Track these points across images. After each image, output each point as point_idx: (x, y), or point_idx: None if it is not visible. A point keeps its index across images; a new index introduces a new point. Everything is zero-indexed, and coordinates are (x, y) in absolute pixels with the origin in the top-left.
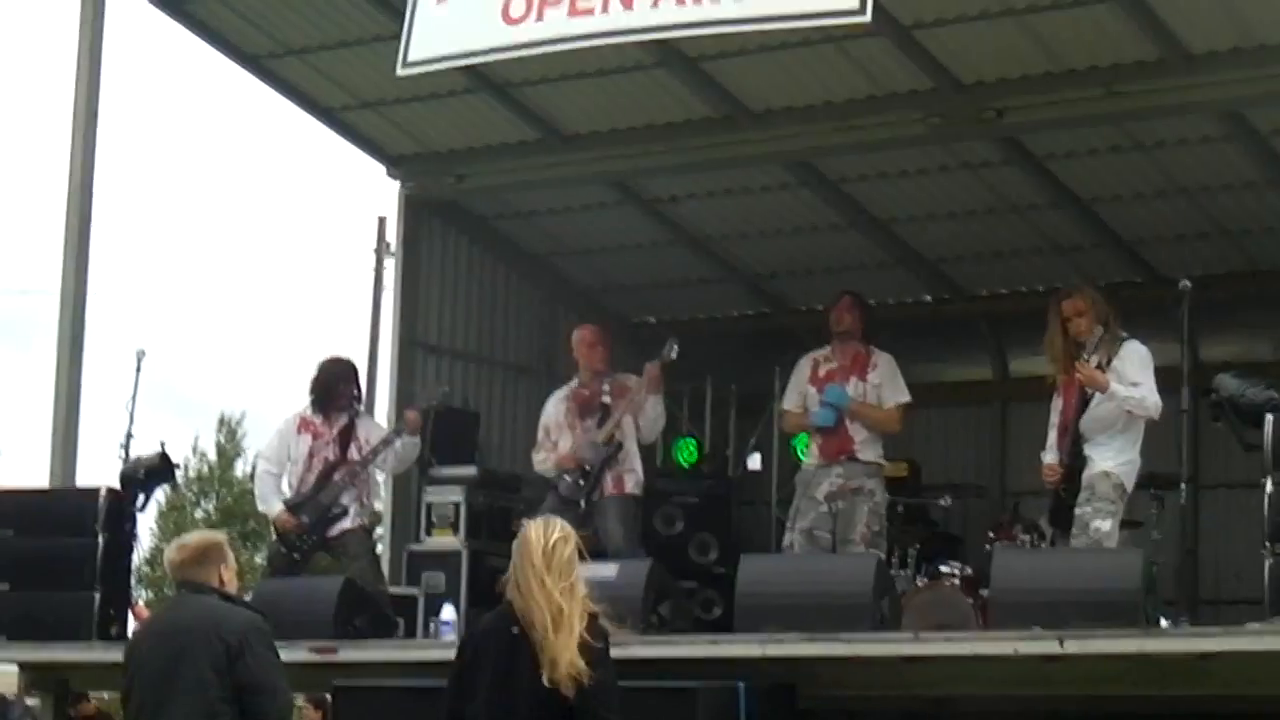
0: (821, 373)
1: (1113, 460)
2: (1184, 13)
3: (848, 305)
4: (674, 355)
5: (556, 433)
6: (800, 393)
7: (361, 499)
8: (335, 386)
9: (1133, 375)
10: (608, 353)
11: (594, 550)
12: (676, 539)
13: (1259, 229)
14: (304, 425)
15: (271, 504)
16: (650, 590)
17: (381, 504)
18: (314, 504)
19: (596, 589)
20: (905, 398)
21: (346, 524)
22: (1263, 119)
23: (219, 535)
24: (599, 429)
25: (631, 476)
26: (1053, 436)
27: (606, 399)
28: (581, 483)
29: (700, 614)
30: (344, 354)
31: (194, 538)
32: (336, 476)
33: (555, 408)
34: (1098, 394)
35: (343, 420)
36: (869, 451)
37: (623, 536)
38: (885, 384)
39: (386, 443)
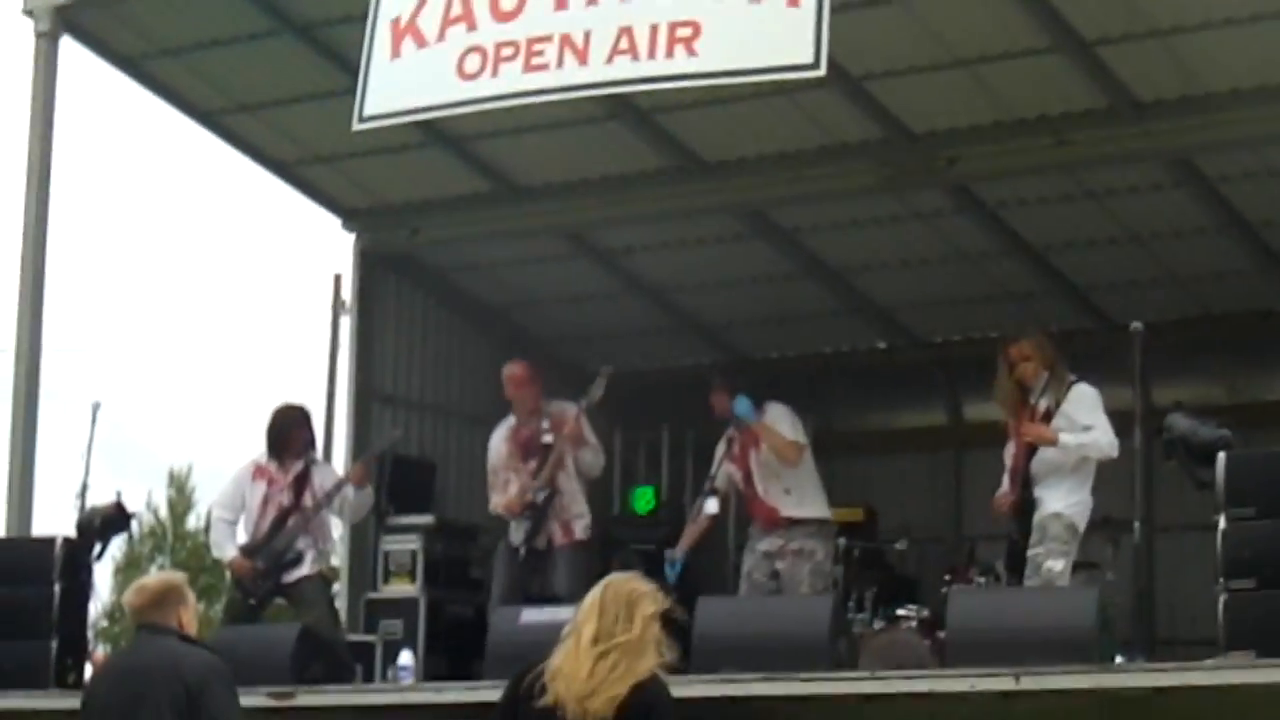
0: (735, 450)
1: (1063, 501)
2: (1132, 62)
3: (716, 392)
4: (601, 392)
5: (505, 474)
6: (725, 474)
7: (317, 545)
8: (289, 432)
9: (1083, 419)
10: (539, 389)
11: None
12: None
13: (1209, 274)
14: (259, 472)
15: (226, 550)
16: None
17: (338, 555)
18: (269, 550)
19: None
20: (794, 437)
21: (303, 570)
22: (1211, 165)
23: (178, 577)
24: (540, 473)
25: (580, 522)
26: (1006, 480)
27: (547, 438)
28: (524, 531)
29: None
30: (296, 401)
31: (153, 580)
32: (290, 522)
33: (497, 448)
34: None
35: (298, 467)
36: (804, 509)
37: (567, 589)
38: (778, 424)
39: (339, 487)
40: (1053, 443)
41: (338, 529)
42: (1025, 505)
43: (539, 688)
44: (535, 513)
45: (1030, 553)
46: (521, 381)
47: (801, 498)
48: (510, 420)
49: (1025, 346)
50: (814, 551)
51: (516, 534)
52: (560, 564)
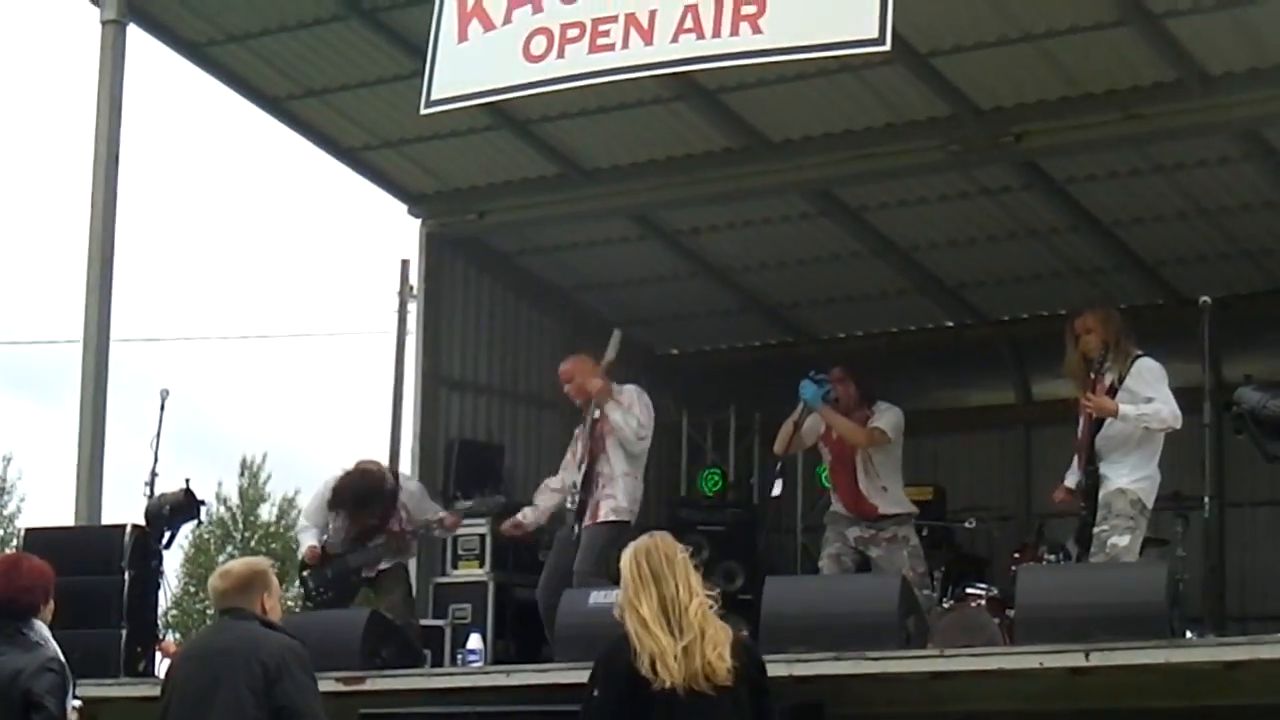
0: (835, 434)
1: (1128, 477)
2: (1200, 34)
3: (839, 378)
4: (614, 353)
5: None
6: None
7: (397, 557)
8: (368, 502)
9: (1145, 391)
10: (579, 386)
11: None
12: (702, 567)
13: (1279, 248)
14: None
15: (304, 540)
16: None
17: None
18: (341, 562)
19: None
20: (885, 427)
21: (381, 567)
22: None
23: (264, 562)
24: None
25: (608, 503)
26: (1076, 458)
27: (596, 413)
28: (574, 511)
29: None
30: (369, 463)
31: (238, 565)
32: (372, 543)
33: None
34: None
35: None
36: (894, 505)
37: (577, 568)
38: (876, 417)
39: (430, 527)
40: (1114, 413)
41: None
42: (1091, 481)
43: (649, 671)
44: (580, 492)
45: (1096, 530)
46: (563, 380)
47: (895, 494)
48: None
49: (1088, 320)
50: (908, 537)
51: (569, 515)
52: (583, 542)
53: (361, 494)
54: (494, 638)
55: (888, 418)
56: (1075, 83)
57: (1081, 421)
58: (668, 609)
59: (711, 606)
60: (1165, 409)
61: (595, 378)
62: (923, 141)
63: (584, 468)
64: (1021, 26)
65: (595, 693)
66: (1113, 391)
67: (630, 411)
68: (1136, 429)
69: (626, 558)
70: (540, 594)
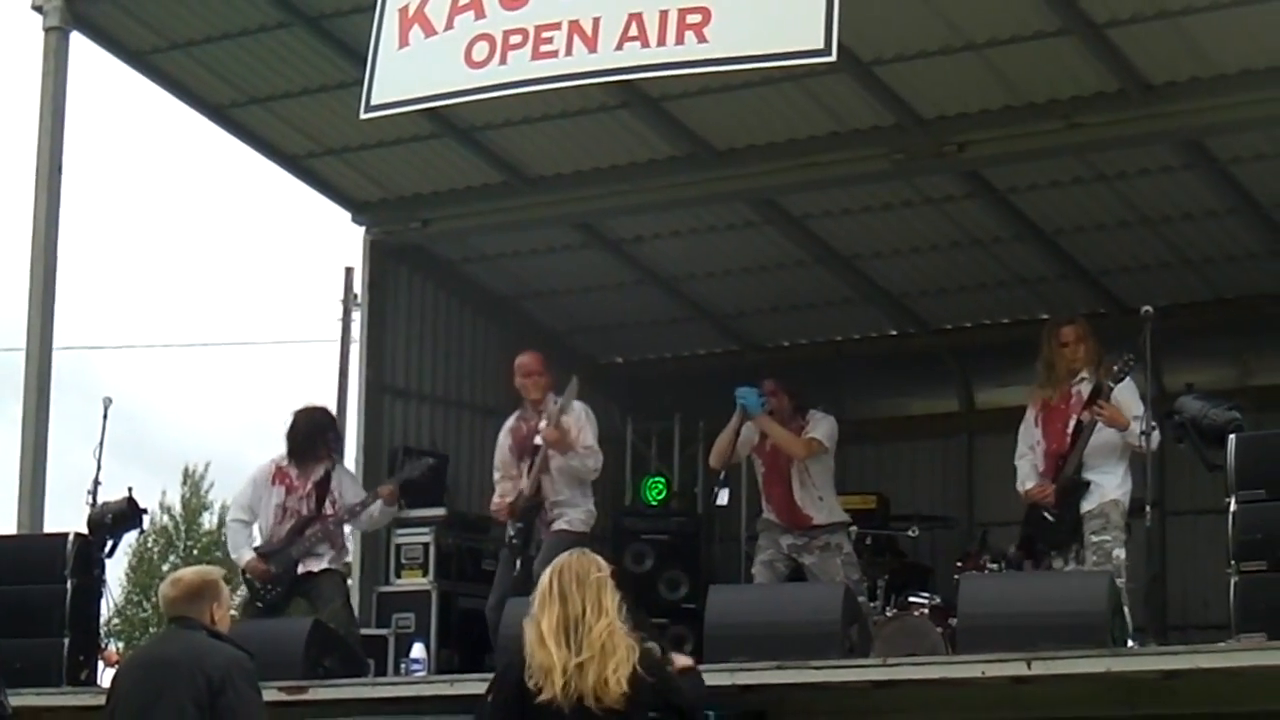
0: (769, 445)
1: (1120, 488)
2: (1142, 44)
3: (771, 390)
4: (572, 400)
5: (503, 469)
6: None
7: (335, 548)
8: (314, 438)
9: (1133, 409)
10: (544, 382)
11: None
12: (646, 576)
13: (1220, 257)
14: (278, 476)
15: (242, 553)
16: None
17: (349, 549)
18: (284, 556)
19: None
20: (822, 437)
21: (322, 564)
22: (1222, 147)
23: (215, 571)
24: (526, 478)
25: (562, 517)
26: (1027, 465)
27: (538, 439)
28: (516, 540)
29: None
30: (319, 403)
31: (189, 573)
32: (309, 532)
33: (502, 440)
34: (1099, 423)
35: (318, 473)
36: (828, 514)
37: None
38: (811, 427)
39: (365, 504)
40: (1125, 427)
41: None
42: (1071, 488)
43: (535, 684)
44: (524, 519)
45: (1095, 539)
46: (528, 371)
47: (830, 504)
48: (518, 413)
49: (1079, 329)
50: (841, 545)
51: (513, 539)
52: (544, 555)
53: (308, 427)
54: (437, 647)
55: (823, 427)
56: (1017, 92)
57: (1041, 430)
58: (569, 626)
59: (624, 625)
60: (1153, 433)
61: (564, 423)
62: (866, 150)
63: (528, 491)
64: (964, 36)
65: (489, 697)
66: (1091, 401)
67: (589, 448)
68: (1121, 441)
69: (544, 573)
70: (490, 614)
